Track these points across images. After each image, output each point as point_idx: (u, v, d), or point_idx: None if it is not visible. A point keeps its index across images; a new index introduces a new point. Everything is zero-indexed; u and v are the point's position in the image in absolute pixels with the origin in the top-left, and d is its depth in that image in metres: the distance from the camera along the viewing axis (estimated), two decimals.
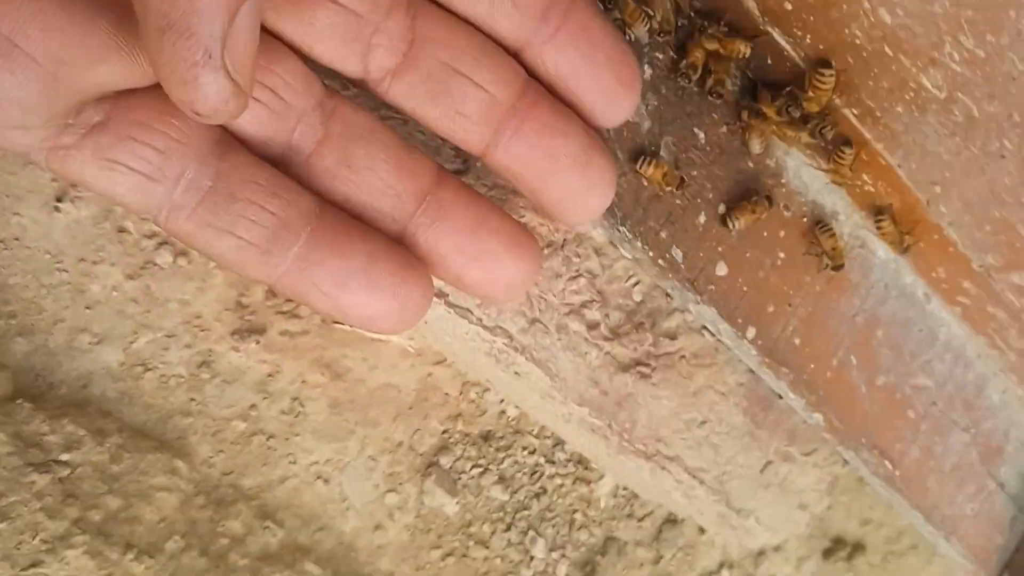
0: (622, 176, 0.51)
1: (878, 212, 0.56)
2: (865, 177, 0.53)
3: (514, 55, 0.43)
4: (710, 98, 0.52)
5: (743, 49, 0.49)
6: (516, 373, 0.57)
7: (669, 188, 0.52)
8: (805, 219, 0.57)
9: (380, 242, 0.42)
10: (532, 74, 0.43)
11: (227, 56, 0.30)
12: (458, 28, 0.42)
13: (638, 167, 0.51)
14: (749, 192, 0.54)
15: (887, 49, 0.42)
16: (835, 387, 0.59)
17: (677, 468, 0.59)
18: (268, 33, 0.40)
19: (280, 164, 0.41)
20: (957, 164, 0.47)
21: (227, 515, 0.65)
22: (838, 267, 0.57)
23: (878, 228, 0.56)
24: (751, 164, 0.55)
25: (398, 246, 0.43)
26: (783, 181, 0.56)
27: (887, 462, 0.60)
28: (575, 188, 0.45)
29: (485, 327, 0.54)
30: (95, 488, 0.60)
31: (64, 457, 0.59)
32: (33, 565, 0.56)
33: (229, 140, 0.40)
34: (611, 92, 0.43)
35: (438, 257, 0.44)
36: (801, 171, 0.56)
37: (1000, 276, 0.53)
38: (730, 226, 0.54)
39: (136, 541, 0.60)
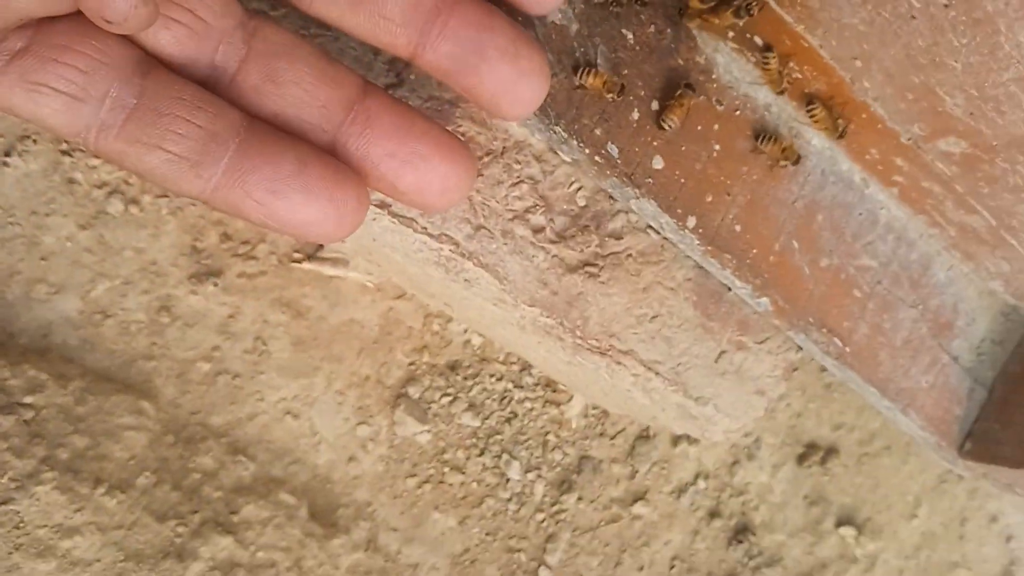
0: (552, 76, 0.52)
1: (808, 101, 0.57)
2: (791, 65, 0.54)
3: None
4: (636, 6, 0.54)
5: None
6: (466, 280, 0.58)
7: (610, 95, 0.53)
8: (738, 112, 0.58)
9: (310, 150, 0.42)
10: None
11: None
12: None
13: (578, 78, 0.52)
14: (675, 87, 0.55)
15: None
16: (779, 270, 0.60)
17: (632, 362, 0.61)
18: None
19: (206, 84, 0.42)
20: (873, 34, 0.48)
21: (197, 451, 0.66)
22: (796, 161, 0.58)
23: (811, 117, 0.57)
24: (680, 61, 0.56)
25: (328, 155, 0.43)
26: (714, 77, 0.57)
27: (836, 339, 0.62)
28: (507, 79, 0.45)
29: (430, 235, 0.55)
30: (61, 428, 0.61)
31: (28, 400, 0.60)
32: (3, 502, 0.57)
33: (152, 60, 0.41)
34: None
35: (371, 165, 0.44)
36: (732, 66, 0.57)
37: (928, 146, 0.55)
38: (665, 127, 0.55)
39: (106, 477, 0.61)
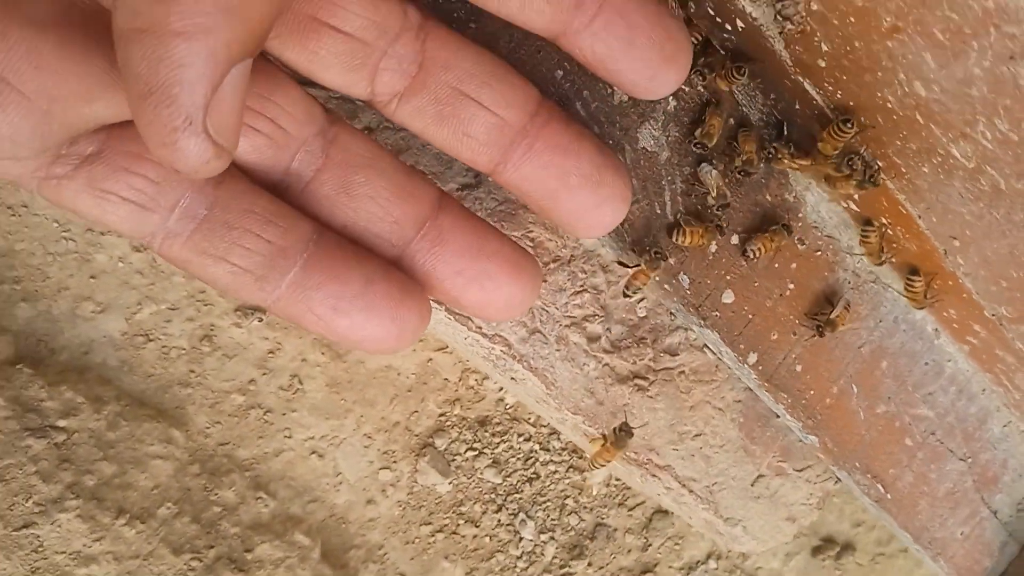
0: (634, 203, 0.50)
1: (911, 271, 0.55)
2: (885, 220, 0.52)
3: (548, 42, 0.42)
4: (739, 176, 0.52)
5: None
6: (512, 378, 0.57)
7: (711, 244, 0.52)
8: (819, 252, 0.55)
9: (377, 266, 0.41)
10: (572, 57, 0.42)
11: (209, 121, 0.30)
12: (468, 49, 0.41)
13: (675, 240, 0.50)
14: (767, 222, 0.53)
15: (919, 117, 0.41)
16: (833, 413, 0.58)
17: (667, 476, 0.60)
18: (271, 61, 0.39)
19: (279, 190, 0.41)
20: (979, 225, 0.45)
21: (221, 484, 0.66)
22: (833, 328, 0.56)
23: (909, 287, 0.55)
24: (769, 198, 0.54)
25: (395, 269, 0.42)
26: (800, 215, 0.55)
27: (879, 485, 0.60)
28: (586, 206, 0.44)
29: (484, 335, 0.54)
30: (90, 454, 0.61)
31: (61, 423, 0.60)
32: (25, 526, 0.58)
33: (227, 169, 0.40)
34: (654, 69, 0.42)
35: (436, 280, 0.43)
36: (820, 206, 0.55)
37: (1012, 326, 0.52)
38: (750, 255, 0.53)
39: (128, 506, 0.62)
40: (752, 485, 0.62)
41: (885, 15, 0.37)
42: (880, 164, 0.47)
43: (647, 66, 0.42)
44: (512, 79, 0.42)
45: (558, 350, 0.56)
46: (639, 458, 0.59)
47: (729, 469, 0.62)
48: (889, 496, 0.61)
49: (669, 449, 0.60)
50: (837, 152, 0.47)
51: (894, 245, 0.53)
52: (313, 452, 0.70)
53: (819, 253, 0.56)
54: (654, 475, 0.60)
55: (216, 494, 0.66)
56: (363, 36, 0.38)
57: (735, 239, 0.53)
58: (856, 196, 0.51)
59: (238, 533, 0.66)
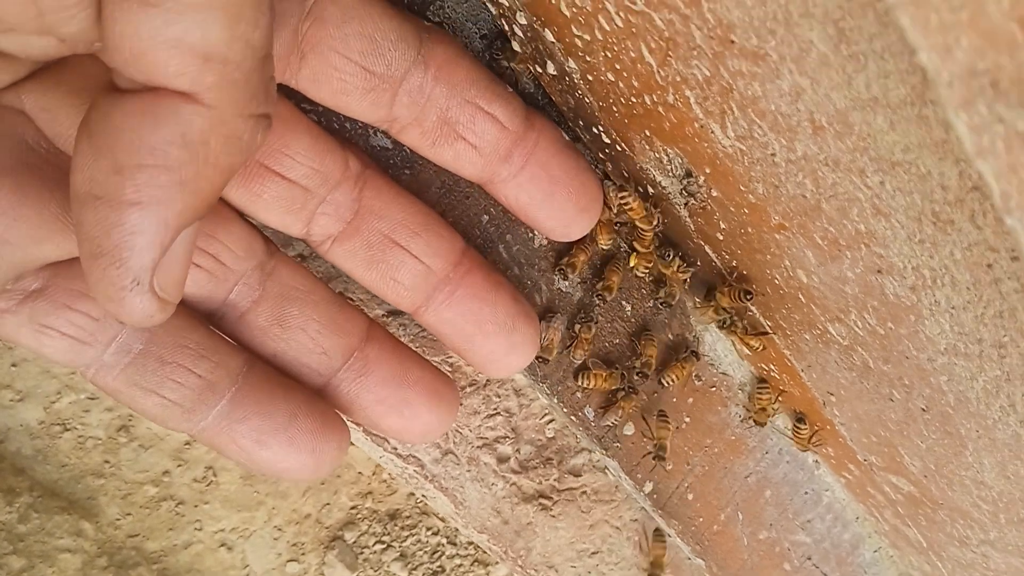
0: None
1: (798, 419, 0.60)
2: (773, 367, 0.57)
3: (480, 186, 0.46)
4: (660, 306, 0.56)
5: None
6: (423, 495, 0.60)
7: (613, 387, 0.56)
8: (714, 388, 0.60)
9: (302, 398, 0.43)
10: (487, 207, 0.46)
11: (156, 280, 0.31)
12: (401, 200, 0.44)
13: (580, 384, 0.54)
14: (674, 352, 0.58)
15: (801, 297, 0.46)
16: (719, 539, 0.63)
17: None
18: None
19: (214, 319, 0.43)
20: (852, 389, 0.51)
21: None
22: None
23: (796, 433, 0.60)
24: (671, 336, 0.58)
25: (320, 401, 0.44)
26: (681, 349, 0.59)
27: None
28: (499, 351, 0.47)
29: (399, 455, 0.57)
30: (1, 548, 0.61)
31: None
32: None
33: None
34: (569, 218, 0.46)
35: (358, 407, 0.46)
36: (717, 345, 0.60)
37: (880, 473, 0.58)
38: (665, 384, 0.57)
39: None
40: None
41: (774, 214, 0.42)
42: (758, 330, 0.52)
43: (564, 215, 0.46)
44: (440, 229, 0.45)
45: (469, 471, 0.59)
46: (538, 574, 0.62)
47: None
48: None
49: (567, 566, 0.63)
50: (732, 308, 0.52)
51: (781, 406, 0.58)
52: (222, 544, 0.71)
53: (714, 389, 0.60)
54: None
55: None
56: (305, 183, 0.41)
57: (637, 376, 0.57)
58: (748, 346, 0.56)
59: None
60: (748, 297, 0.49)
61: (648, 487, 0.59)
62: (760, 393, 0.58)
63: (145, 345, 0.40)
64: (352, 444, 0.74)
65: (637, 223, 0.49)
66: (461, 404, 0.58)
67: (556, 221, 0.47)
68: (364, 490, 0.77)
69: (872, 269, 0.39)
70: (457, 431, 0.58)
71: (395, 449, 0.57)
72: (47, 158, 0.36)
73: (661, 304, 0.55)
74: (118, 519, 0.67)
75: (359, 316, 0.46)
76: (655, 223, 0.49)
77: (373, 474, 0.77)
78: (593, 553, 0.64)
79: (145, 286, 0.32)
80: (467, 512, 0.59)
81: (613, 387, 0.55)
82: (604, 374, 0.54)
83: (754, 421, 0.60)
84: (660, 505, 0.60)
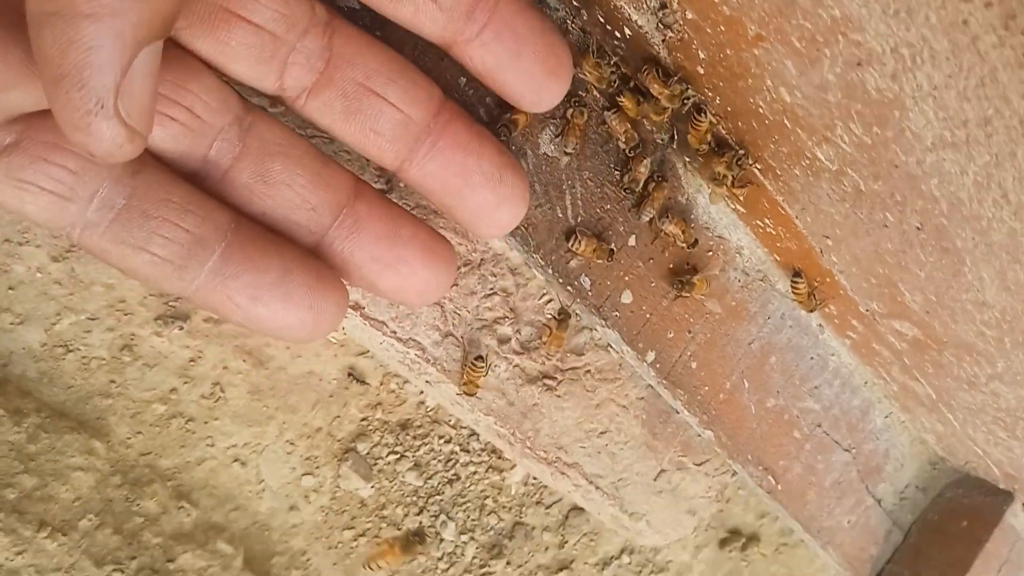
0: (537, 207, 0.54)
1: (795, 273, 0.59)
2: (768, 221, 0.56)
3: (444, 51, 0.45)
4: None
5: None
6: (427, 381, 0.60)
7: (600, 261, 0.55)
8: (710, 252, 0.60)
9: (295, 254, 0.43)
10: (463, 68, 0.45)
11: (121, 104, 0.31)
12: (374, 47, 0.43)
13: (570, 245, 0.54)
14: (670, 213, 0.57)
15: (786, 122, 0.45)
16: (726, 408, 0.62)
17: (575, 474, 0.63)
18: (183, 50, 0.40)
19: (197, 179, 0.42)
20: (846, 225, 0.50)
21: (143, 495, 0.67)
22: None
23: (793, 288, 0.59)
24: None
25: (313, 258, 0.44)
26: (692, 217, 0.59)
27: (770, 477, 0.65)
28: (488, 204, 0.46)
29: (399, 339, 0.57)
30: (11, 467, 0.62)
31: None
32: None
33: (143, 158, 0.40)
34: (539, 82, 0.45)
35: (353, 267, 0.45)
36: (710, 208, 0.59)
37: (883, 321, 0.57)
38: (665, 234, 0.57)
39: (50, 519, 0.62)
40: (655, 480, 0.66)
41: (750, 24, 0.41)
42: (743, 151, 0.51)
43: (532, 78, 0.45)
44: (416, 77, 0.44)
45: (470, 353, 0.59)
46: (548, 456, 0.62)
47: (633, 465, 0.65)
48: (780, 487, 0.65)
49: (576, 447, 0.63)
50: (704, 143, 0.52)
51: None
52: (236, 460, 0.72)
53: (711, 253, 0.60)
54: (563, 472, 0.63)
55: (138, 505, 0.67)
56: (272, 29, 0.40)
57: (632, 240, 0.57)
58: (739, 195, 0.55)
59: (160, 543, 0.67)
60: (743, 161, 0.49)
61: (651, 356, 0.59)
62: (796, 286, 0.58)
63: (128, 200, 0.40)
64: (361, 355, 0.74)
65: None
66: (456, 284, 0.58)
67: (525, 85, 0.45)
68: (373, 401, 0.77)
69: (852, 63, 0.38)
70: (455, 312, 0.58)
71: (394, 333, 0.57)
72: (6, 2, 0.35)
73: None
74: (129, 438, 0.67)
75: (344, 173, 0.45)
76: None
77: (381, 384, 0.77)
78: (601, 433, 0.64)
79: (110, 110, 0.31)
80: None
81: (600, 258, 0.55)
82: (594, 243, 0.54)
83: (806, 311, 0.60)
84: (664, 374, 0.60)
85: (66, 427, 0.65)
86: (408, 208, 0.55)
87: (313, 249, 0.45)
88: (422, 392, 0.78)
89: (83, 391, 0.66)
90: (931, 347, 0.55)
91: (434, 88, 0.45)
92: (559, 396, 0.62)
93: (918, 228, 0.46)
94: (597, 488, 0.64)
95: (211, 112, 0.41)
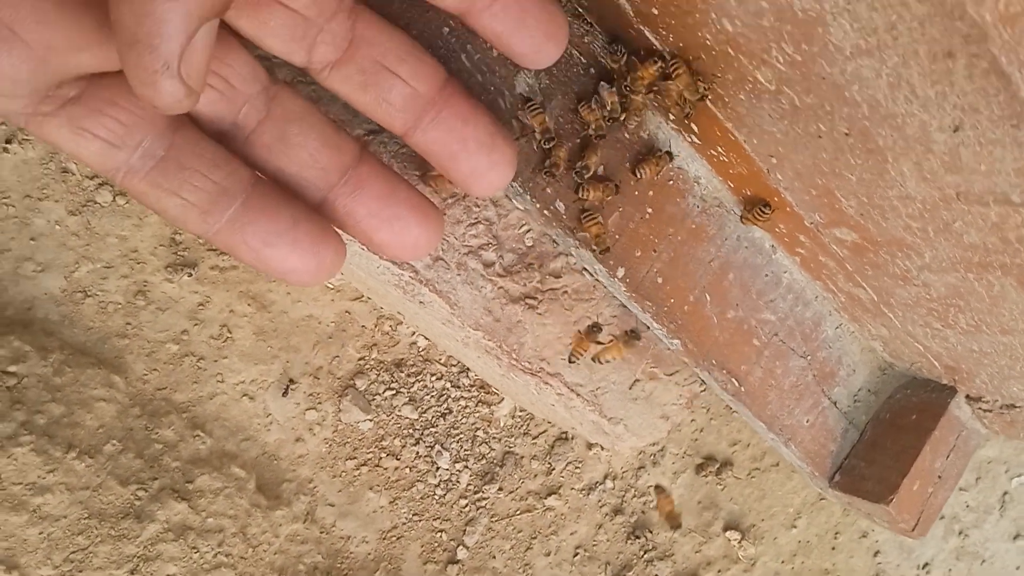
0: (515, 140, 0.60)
1: (764, 204, 0.66)
2: (720, 148, 0.63)
3: (458, 17, 0.51)
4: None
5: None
6: (421, 302, 0.66)
7: (609, 197, 0.63)
8: (671, 182, 0.66)
9: (303, 208, 0.50)
10: (474, 31, 0.52)
11: (183, 67, 0.38)
12: (390, 31, 0.51)
13: (577, 195, 0.61)
14: (649, 150, 0.64)
15: (729, 50, 0.51)
16: (691, 318, 0.69)
17: (558, 383, 0.69)
18: (225, 28, 0.47)
19: (225, 139, 0.49)
20: (787, 141, 0.57)
21: (160, 424, 0.73)
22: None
23: (755, 215, 0.66)
24: (627, 136, 0.64)
25: (318, 214, 0.51)
26: (654, 149, 0.65)
27: (734, 379, 0.71)
28: (481, 167, 0.54)
29: (394, 262, 0.63)
30: (40, 396, 0.67)
31: (12, 368, 0.66)
32: None
33: (182, 118, 0.48)
34: (539, 45, 0.52)
35: (353, 221, 0.52)
36: (670, 142, 0.66)
37: (826, 231, 0.64)
38: (639, 175, 0.63)
39: (77, 443, 0.68)
40: (630, 388, 0.73)
41: None
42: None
43: (534, 41, 0.52)
44: (424, 57, 0.52)
45: (459, 275, 0.65)
46: (532, 367, 0.69)
47: (610, 375, 0.72)
48: (743, 389, 0.72)
49: (557, 359, 0.70)
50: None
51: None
52: (244, 395, 0.78)
53: (671, 183, 0.67)
54: (546, 382, 0.70)
55: (157, 433, 0.73)
56: (306, 12, 0.47)
57: (602, 170, 0.64)
58: (687, 112, 0.62)
59: (179, 467, 0.73)
60: (705, 91, 0.56)
61: (620, 272, 0.66)
62: (765, 214, 0.65)
63: (167, 151, 0.46)
64: (357, 300, 0.80)
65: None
66: (444, 214, 0.64)
67: (528, 47, 0.52)
68: (369, 342, 0.83)
69: None
70: (444, 239, 0.64)
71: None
72: None
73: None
74: (145, 374, 0.73)
75: (353, 140, 0.52)
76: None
77: (375, 327, 0.83)
78: None
79: (174, 70, 0.38)
80: (461, 312, 0.66)
81: (608, 195, 0.62)
82: (600, 186, 0.61)
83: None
84: (634, 288, 0.66)
85: (88, 363, 0.70)
86: (399, 145, 0.61)
87: (319, 205, 0.52)
88: (414, 333, 0.85)
89: (101, 332, 0.72)
90: (868, 249, 0.62)
91: (440, 68, 0.52)
92: (540, 314, 0.68)
93: (846, 134, 0.53)
94: (578, 395, 0.70)
95: (243, 82, 0.48)
